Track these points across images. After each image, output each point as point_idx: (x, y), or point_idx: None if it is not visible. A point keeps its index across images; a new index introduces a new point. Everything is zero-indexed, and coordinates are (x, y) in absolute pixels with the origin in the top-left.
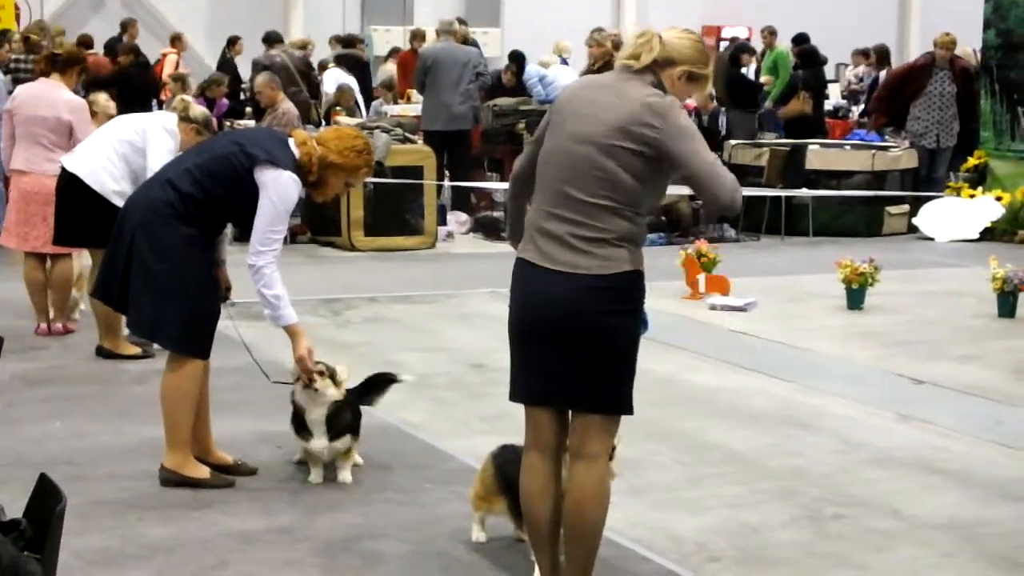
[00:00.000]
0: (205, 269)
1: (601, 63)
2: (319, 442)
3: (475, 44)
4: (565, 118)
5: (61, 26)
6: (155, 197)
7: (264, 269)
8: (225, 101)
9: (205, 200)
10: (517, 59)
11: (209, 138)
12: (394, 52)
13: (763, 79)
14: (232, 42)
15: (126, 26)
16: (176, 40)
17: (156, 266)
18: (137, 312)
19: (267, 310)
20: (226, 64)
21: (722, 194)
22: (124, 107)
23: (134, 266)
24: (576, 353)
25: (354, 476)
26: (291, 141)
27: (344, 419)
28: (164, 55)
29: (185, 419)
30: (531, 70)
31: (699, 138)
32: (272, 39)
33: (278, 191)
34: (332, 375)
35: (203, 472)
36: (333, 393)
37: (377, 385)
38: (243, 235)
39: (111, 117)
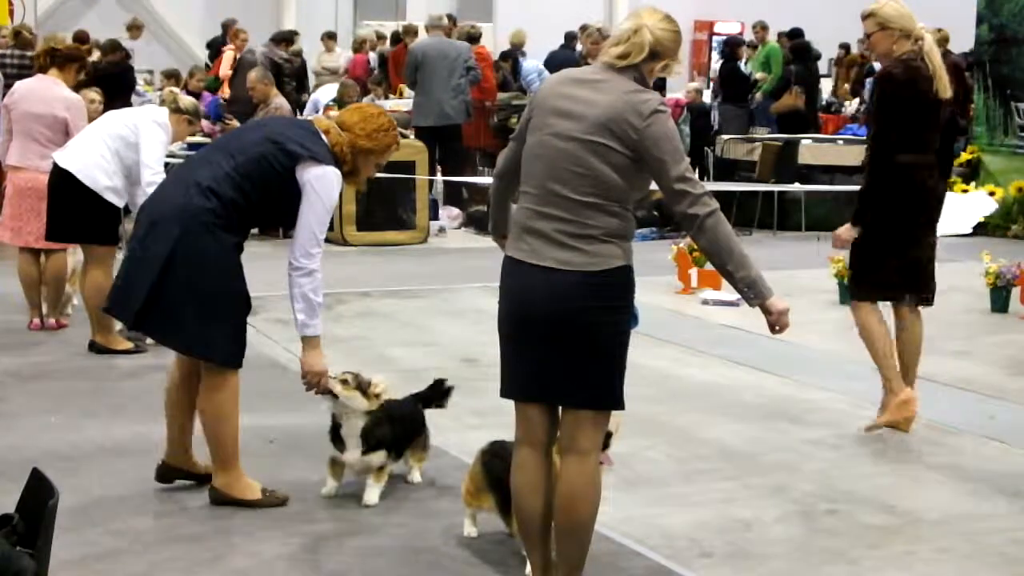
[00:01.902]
0: (243, 278)
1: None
2: (352, 454)
3: (478, 39)
4: (547, 114)
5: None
6: (197, 205)
7: (317, 273)
8: (208, 95)
9: (247, 206)
10: (510, 57)
11: (232, 132)
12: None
13: (757, 75)
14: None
15: (131, 27)
16: (234, 37)
17: (202, 280)
18: (179, 327)
19: (304, 315)
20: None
21: (678, 209)
22: (107, 103)
23: (171, 280)
24: (566, 349)
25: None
26: (320, 130)
27: (379, 433)
28: (222, 51)
29: (232, 436)
30: (529, 66)
31: (674, 149)
32: (280, 39)
33: (324, 188)
34: (361, 386)
35: (255, 492)
36: (361, 404)
37: (438, 394)
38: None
39: (100, 114)
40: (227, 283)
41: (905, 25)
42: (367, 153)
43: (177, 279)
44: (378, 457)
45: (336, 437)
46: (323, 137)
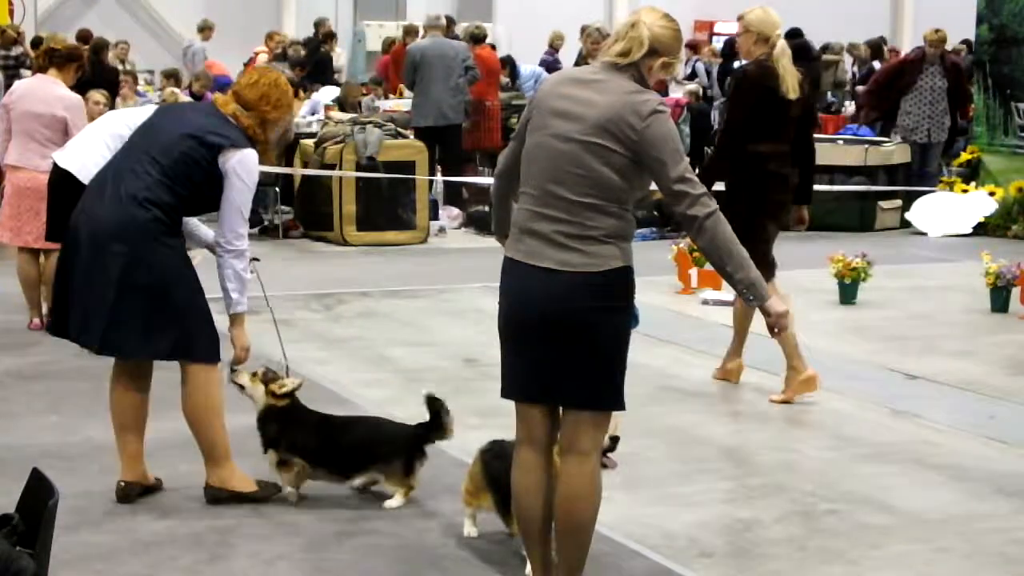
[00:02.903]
0: (194, 271)
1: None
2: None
3: (483, 38)
4: (546, 115)
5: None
6: (140, 219)
7: (246, 252)
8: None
9: (181, 204)
10: (507, 63)
11: (141, 131)
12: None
13: None
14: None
15: (116, 44)
16: (268, 39)
17: (166, 289)
18: (154, 340)
19: (236, 294)
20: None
21: (677, 210)
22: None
23: (132, 297)
24: (567, 350)
25: None
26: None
27: (268, 431)
28: (256, 53)
29: (224, 429)
30: (527, 71)
31: (674, 150)
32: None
33: (246, 170)
34: (267, 381)
35: (251, 484)
36: (259, 398)
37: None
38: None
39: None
40: (188, 284)
41: (763, 30)
42: (273, 123)
43: (139, 295)
44: (269, 455)
45: None
46: (232, 121)
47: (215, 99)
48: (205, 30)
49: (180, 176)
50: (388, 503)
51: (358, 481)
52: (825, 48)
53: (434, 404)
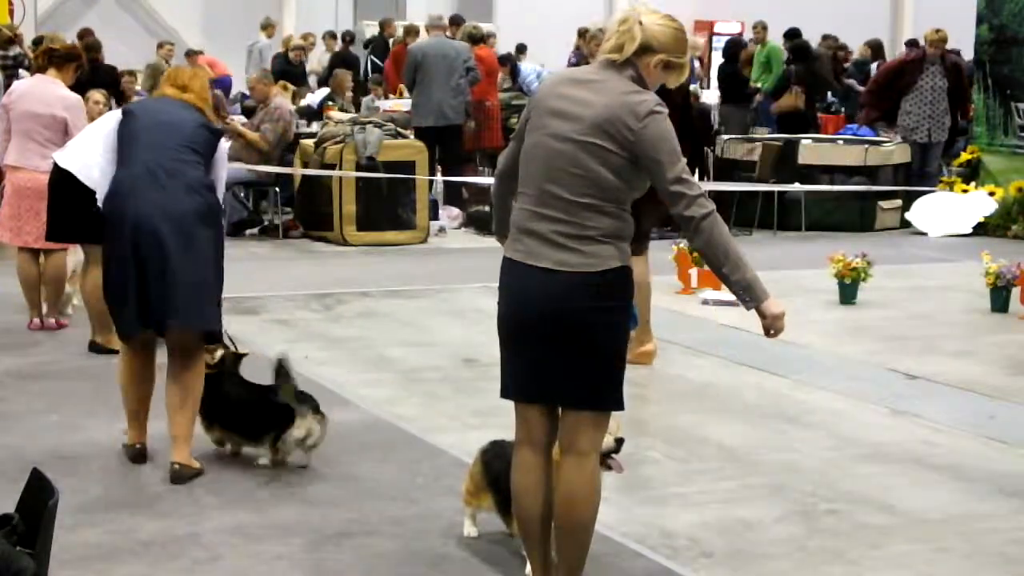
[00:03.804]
0: None
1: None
2: None
3: (486, 39)
4: (544, 115)
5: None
6: (208, 201)
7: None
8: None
9: (211, 187)
10: (508, 61)
11: (149, 121)
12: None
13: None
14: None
15: (161, 45)
16: (303, 39)
17: (220, 267)
18: (206, 311)
19: None
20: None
21: (674, 211)
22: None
23: (217, 273)
24: (565, 350)
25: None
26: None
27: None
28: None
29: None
30: (528, 69)
31: (671, 150)
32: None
33: (226, 153)
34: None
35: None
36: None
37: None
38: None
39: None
40: (218, 262)
41: None
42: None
43: (219, 273)
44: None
45: None
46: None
47: (170, 94)
48: (268, 28)
49: (206, 158)
50: (258, 460)
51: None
52: (827, 38)
53: (281, 366)
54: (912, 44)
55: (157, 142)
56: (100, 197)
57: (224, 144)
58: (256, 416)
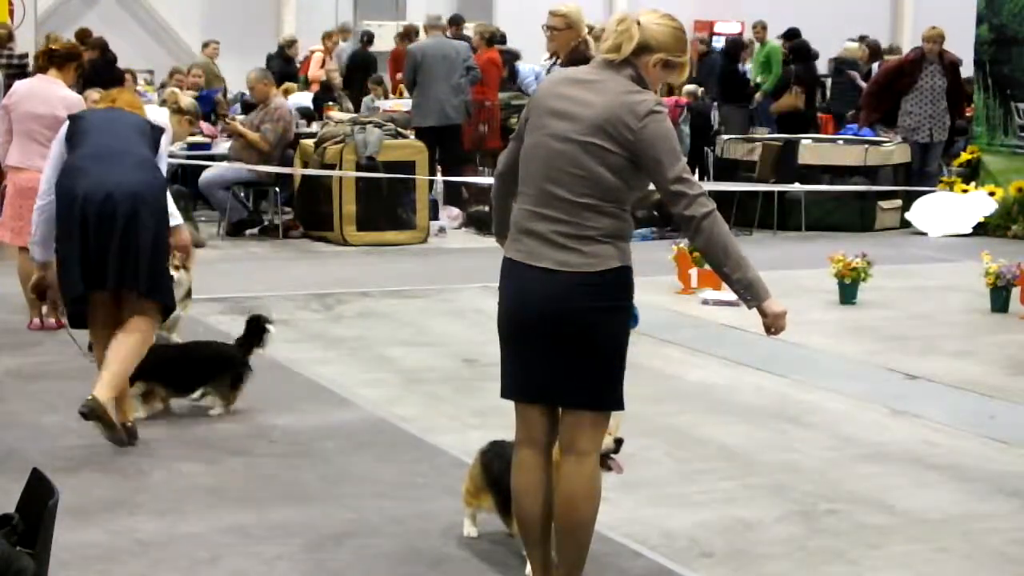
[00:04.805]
0: None
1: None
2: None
3: (503, 39)
4: (544, 115)
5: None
6: (158, 179)
7: None
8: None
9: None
10: (506, 62)
11: (101, 116)
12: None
13: (758, 79)
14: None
15: (206, 44)
16: (327, 38)
17: (167, 238)
18: (163, 280)
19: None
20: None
21: (675, 211)
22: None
23: (158, 242)
24: (566, 350)
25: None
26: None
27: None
28: (311, 52)
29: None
30: (527, 69)
31: (671, 150)
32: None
33: (166, 150)
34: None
35: (115, 419)
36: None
37: (255, 330)
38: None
39: None
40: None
41: (580, 26)
42: None
43: (163, 244)
44: (136, 386)
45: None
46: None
47: (112, 99)
48: (345, 32)
49: (156, 145)
50: (212, 411)
51: (196, 395)
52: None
53: (255, 320)
54: (889, 52)
55: (107, 129)
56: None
57: (165, 140)
58: (205, 368)
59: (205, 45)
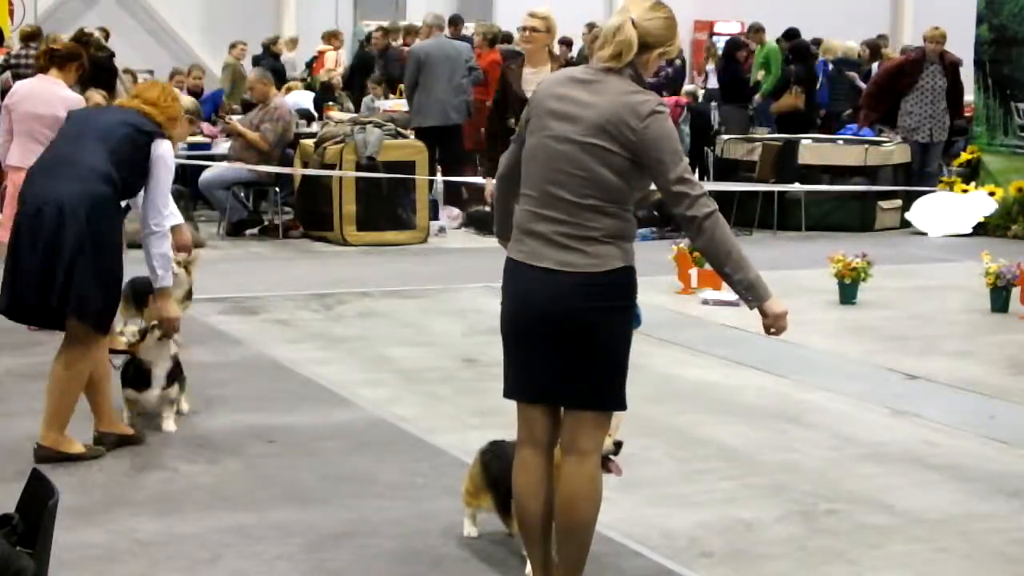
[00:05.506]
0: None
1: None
2: (153, 392)
3: (508, 39)
4: (544, 116)
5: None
6: (100, 192)
7: (168, 231)
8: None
9: (123, 185)
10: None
11: (78, 118)
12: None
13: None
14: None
15: (234, 45)
16: (333, 37)
17: (106, 261)
18: (89, 305)
19: (162, 271)
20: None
21: (676, 211)
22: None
23: (82, 263)
24: (568, 350)
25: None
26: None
27: (179, 371)
28: (322, 52)
29: (76, 402)
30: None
31: (673, 150)
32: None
33: (169, 158)
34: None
35: (78, 447)
36: (172, 348)
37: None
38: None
39: None
40: (121, 261)
41: (554, 29)
42: (174, 120)
43: (88, 262)
44: (174, 391)
45: (139, 380)
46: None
47: (124, 104)
48: (392, 31)
49: (124, 157)
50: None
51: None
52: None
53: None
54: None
55: (74, 134)
56: None
57: (159, 147)
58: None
59: (232, 46)
